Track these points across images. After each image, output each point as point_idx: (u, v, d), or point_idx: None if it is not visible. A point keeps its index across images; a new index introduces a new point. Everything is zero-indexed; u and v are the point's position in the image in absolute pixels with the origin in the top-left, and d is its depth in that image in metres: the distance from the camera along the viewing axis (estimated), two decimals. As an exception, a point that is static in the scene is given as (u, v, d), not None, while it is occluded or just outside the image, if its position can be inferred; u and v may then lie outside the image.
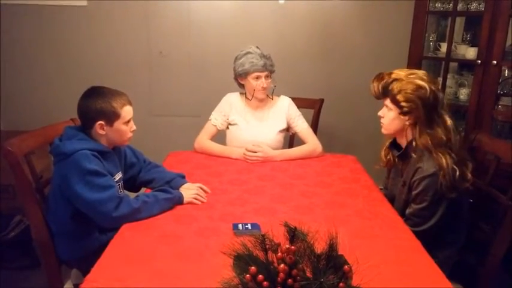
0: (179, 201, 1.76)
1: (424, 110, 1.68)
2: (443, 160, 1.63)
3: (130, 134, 1.78)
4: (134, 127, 1.78)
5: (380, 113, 1.84)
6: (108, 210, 1.57)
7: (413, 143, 1.74)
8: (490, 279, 1.70)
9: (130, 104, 1.75)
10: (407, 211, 1.76)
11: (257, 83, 2.29)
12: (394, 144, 1.90)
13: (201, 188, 1.87)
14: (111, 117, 1.69)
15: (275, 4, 2.95)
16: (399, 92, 1.70)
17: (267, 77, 2.30)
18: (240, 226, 1.56)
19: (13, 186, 2.63)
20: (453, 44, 2.79)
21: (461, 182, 1.66)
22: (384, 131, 1.86)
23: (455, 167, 1.64)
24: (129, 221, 1.59)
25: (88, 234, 1.71)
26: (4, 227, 2.59)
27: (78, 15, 3.06)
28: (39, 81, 3.18)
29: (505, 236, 1.65)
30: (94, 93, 1.71)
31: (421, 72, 1.75)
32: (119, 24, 3.11)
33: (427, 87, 1.67)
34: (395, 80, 1.72)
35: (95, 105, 1.67)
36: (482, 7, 2.57)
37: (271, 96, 2.42)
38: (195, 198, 1.79)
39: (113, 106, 1.68)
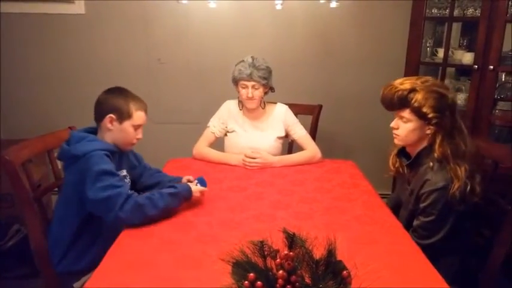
0: (187, 194, 1.75)
1: (450, 119, 1.65)
2: (459, 172, 1.61)
3: (134, 141, 1.81)
4: (141, 136, 1.81)
5: (393, 125, 1.76)
6: (114, 207, 1.56)
7: (433, 153, 1.68)
8: (490, 284, 1.69)
9: (145, 112, 1.81)
10: (415, 223, 1.73)
11: (243, 91, 2.30)
12: (402, 152, 1.87)
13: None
14: (123, 114, 1.73)
15: (273, 10, 2.97)
16: (424, 102, 1.63)
17: (254, 87, 2.29)
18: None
19: (12, 194, 2.63)
20: (450, 49, 2.80)
21: (470, 196, 1.64)
22: (398, 142, 1.79)
23: (467, 180, 1.62)
24: (136, 218, 1.58)
25: (92, 246, 1.70)
26: (2, 235, 2.58)
27: (76, 23, 3.08)
28: (39, 89, 3.19)
29: (504, 240, 1.65)
30: (117, 90, 1.78)
31: (431, 79, 1.72)
32: (117, 31, 3.12)
33: (448, 94, 1.66)
34: (413, 90, 1.65)
35: (113, 100, 1.74)
36: (478, 13, 2.59)
37: (262, 106, 2.42)
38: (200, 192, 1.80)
39: (128, 105, 1.74)
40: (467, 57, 2.73)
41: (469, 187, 1.62)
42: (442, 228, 1.65)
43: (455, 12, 2.71)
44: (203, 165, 2.31)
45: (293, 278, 0.95)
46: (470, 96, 2.64)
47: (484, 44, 2.51)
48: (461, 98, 2.80)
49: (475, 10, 2.64)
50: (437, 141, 1.67)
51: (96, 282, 1.27)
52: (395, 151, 1.89)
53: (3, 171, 1.64)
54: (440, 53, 2.84)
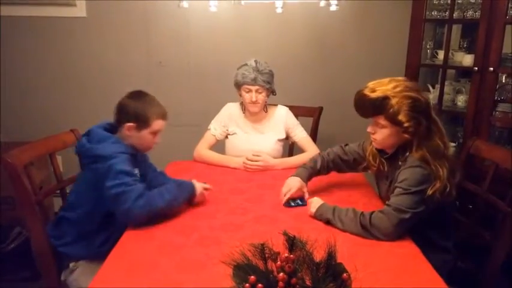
0: (190, 188, 1.82)
1: (425, 122, 1.62)
2: (441, 172, 1.58)
3: (152, 145, 1.84)
4: (159, 140, 1.84)
5: (370, 130, 1.74)
6: (128, 201, 1.60)
7: (410, 152, 1.66)
8: (489, 285, 1.70)
9: (164, 119, 1.84)
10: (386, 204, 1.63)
11: (247, 96, 2.30)
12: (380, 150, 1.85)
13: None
14: (141, 123, 1.76)
15: (273, 14, 2.97)
16: (399, 111, 1.58)
17: (258, 91, 2.29)
18: (292, 203, 1.85)
19: (13, 197, 2.64)
20: (450, 51, 2.80)
21: (446, 197, 1.61)
22: (377, 146, 1.77)
23: (447, 182, 1.59)
24: (145, 212, 1.62)
25: (95, 236, 1.74)
26: (4, 238, 2.59)
27: (77, 26, 3.09)
28: (39, 92, 3.19)
29: (504, 242, 1.65)
30: (138, 96, 1.81)
31: (401, 79, 1.68)
32: (118, 34, 3.13)
33: (420, 97, 1.62)
34: (386, 97, 1.61)
35: (133, 107, 1.76)
36: (478, 15, 2.59)
37: (265, 109, 2.43)
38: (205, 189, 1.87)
39: (147, 114, 1.76)
40: (467, 59, 2.73)
41: (447, 190, 1.59)
42: (410, 208, 1.55)
43: (455, 14, 2.72)
44: (204, 168, 2.31)
45: (293, 280, 0.95)
46: (470, 98, 2.64)
47: (484, 45, 2.51)
48: (461, 100, 2.80)
49: (475, 12, 2.64)
50: (414, 145, 1.64)
51: (98, 284, 1.28)
52: (371, 148, 1.85)
53: (5, 174, 1.64)
54: (441, 54, 2.84)
